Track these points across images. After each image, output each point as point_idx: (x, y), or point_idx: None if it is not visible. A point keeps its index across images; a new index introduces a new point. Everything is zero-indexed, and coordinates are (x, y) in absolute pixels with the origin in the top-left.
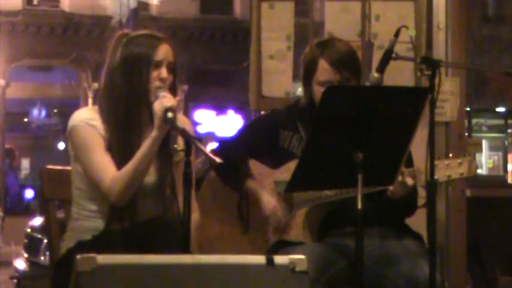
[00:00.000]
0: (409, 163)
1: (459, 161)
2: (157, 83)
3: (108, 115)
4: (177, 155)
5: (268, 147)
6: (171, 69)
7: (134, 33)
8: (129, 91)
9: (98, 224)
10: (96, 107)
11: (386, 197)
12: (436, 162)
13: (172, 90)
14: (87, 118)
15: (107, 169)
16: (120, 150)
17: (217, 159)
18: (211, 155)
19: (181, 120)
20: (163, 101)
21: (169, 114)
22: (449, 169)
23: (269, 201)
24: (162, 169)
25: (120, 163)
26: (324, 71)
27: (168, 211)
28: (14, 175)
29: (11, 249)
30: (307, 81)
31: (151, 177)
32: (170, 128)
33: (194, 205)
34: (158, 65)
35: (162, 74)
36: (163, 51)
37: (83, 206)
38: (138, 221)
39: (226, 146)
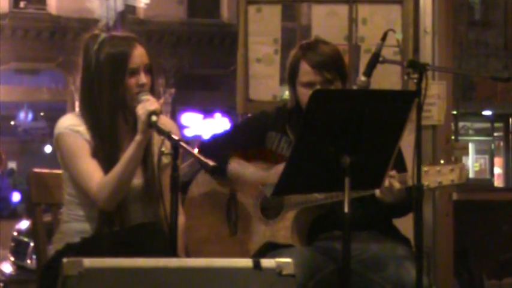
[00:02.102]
0: (403, 167)
1: (450, 167)
2: (137, 89)
3: (91, 123)
4: (166, 157)
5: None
6: (148, 70)
7: (104, 37)
8: (109, 101)
9: (87, 226)
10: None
11: (377, 200)
12: (426, 168)
13: (153, 91)
14: (72, 124)
15: (93, 175)
16: (106, 155)
17: (210, 162)
18: (203, 158)
19: (169, 124)
20: (147, 104)
21: (154, 118)
22: (440, 175)
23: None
24: (148, 173)
25: (106, 168)
26: (305, 72)
27: (156, 215)
28: (8, 180)
29: None
30: (291, 84)
31: (139, 181)
32: (156, 132)
33: (179, 208)
34: (135, 71)
35: (141, 80)
36: (138, 56)
37: (74, 210)
38: (128, 225)
39: (209, 145)
